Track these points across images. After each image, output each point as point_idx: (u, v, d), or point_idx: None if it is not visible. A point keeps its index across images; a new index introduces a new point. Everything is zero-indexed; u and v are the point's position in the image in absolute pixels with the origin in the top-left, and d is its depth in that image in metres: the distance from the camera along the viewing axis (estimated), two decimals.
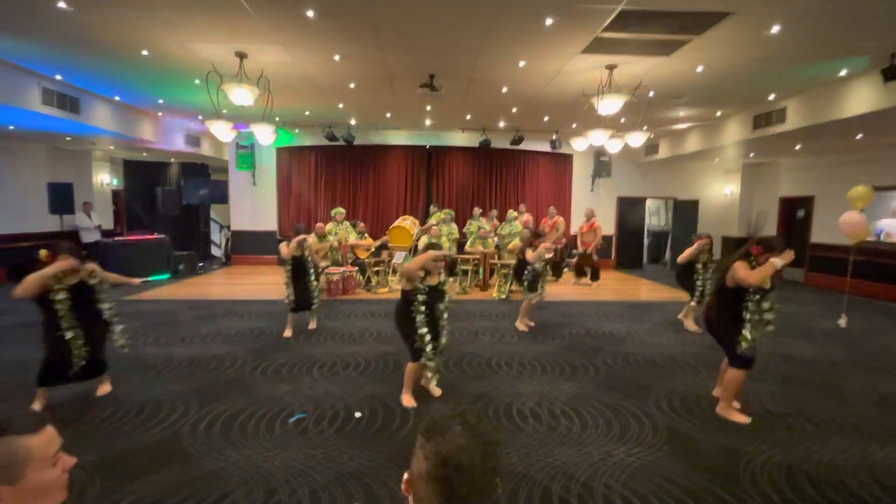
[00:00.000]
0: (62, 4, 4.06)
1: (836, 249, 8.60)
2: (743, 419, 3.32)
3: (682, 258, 5.55)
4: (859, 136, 7.05)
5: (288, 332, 5.29)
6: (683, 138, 9.61)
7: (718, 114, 7.96)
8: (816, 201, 9.58)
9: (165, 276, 8.95)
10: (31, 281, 3.16)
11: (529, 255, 5.63)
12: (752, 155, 9.84)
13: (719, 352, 3.56)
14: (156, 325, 5.64)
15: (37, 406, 3.32)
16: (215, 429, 3.11)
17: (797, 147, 8.40)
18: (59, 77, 6.27)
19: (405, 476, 0.86)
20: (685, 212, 11.78)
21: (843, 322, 6.10)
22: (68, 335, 3.28)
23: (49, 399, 3.42)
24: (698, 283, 5.57)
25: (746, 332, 3.22)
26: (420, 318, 3.41)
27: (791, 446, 3.02)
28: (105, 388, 3.67)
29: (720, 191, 11.89)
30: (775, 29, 4.34)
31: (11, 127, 7.21)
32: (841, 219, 6.02)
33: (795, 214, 10.39)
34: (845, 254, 6.73)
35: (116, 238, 8.97)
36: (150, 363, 4.36)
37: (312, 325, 5.58)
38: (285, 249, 5.29)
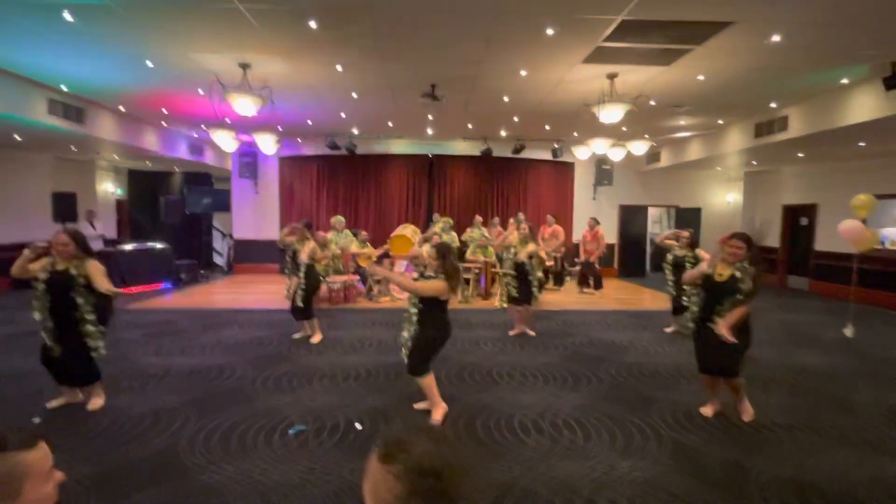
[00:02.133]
0: (68, 17, 4.10)
1: (841, 258, 8.54)
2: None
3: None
4: (861, 144, 7.03)
5: (316, 338, 5.42)
6: (685, 147, 9.62)
7: (720, 122, 7.96)
8: (820, 209, 9.54)
9: (168, 286, 8.94)
10: (16, 262, 3.27)
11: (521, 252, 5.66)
12: (754, 163, 9.83)
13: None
14: (156, 335, 5.62)
15: (54, 403, 3.44)
16: (214, 441, 3.08)
17: (799, 155, 8.39)
18: (64, 88, 6.33)
19: None
20: (688, 220, 11.74)
21: (848, 331, 6.03)
22: (36, 316, 3.29)
23: (46, 412, 3.40)
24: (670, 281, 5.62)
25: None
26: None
27: (800, 460, 2.95)
28: (95, 403, 3.51)
29: (723, 199, 11.87)
30: (776, 38, 4.35)
31: (17, 137, 7.27)
32: (840, 227, 5.97)
33: (799, 222, 10.34)
34: (849, 262, 6.68)
35: (119, 247, 8.99)
36: (149, 373, 4.33)
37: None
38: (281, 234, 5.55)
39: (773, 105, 6.71)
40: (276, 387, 4.06)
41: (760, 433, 3.29)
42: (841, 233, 5.96)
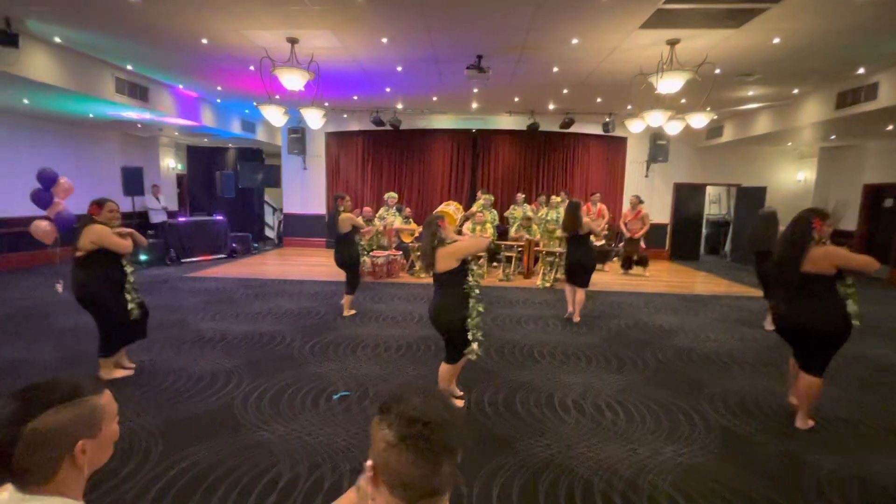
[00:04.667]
0: None
1: None
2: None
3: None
4: None
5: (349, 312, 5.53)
6: (752, 120, 8.85)
7: (795, 92, 7.23)
8: None
9: (222, 256, 9.49)
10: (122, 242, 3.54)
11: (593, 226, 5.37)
12: (833, 137, 8.91)
13: (781, 351, 3.27)
14: (213, 303, 6.00)
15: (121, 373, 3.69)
16: (264, 401, 3.27)
17: (889, 128, 7.49)
18: (129, 67, 6.70)
19: (368, 464, 0.86)
20: (750, 200, 10.89)
21: None
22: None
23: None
24: None
25: (852, 305, 2.90)
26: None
27: (865, 457, 2.74)
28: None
29: (792, 177, 10.91)
30: None
31: (91, 115, 7.83)
32: None
33: (882, 204, 9.34)
34: None
35: (180, 219, 9.59)
36: (206, 337, 4.64)
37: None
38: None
39: (860, 71, 5.99)
40: (322, 354, 4.24)
41: (822, 427, 3.07)
42: None
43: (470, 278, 3.08)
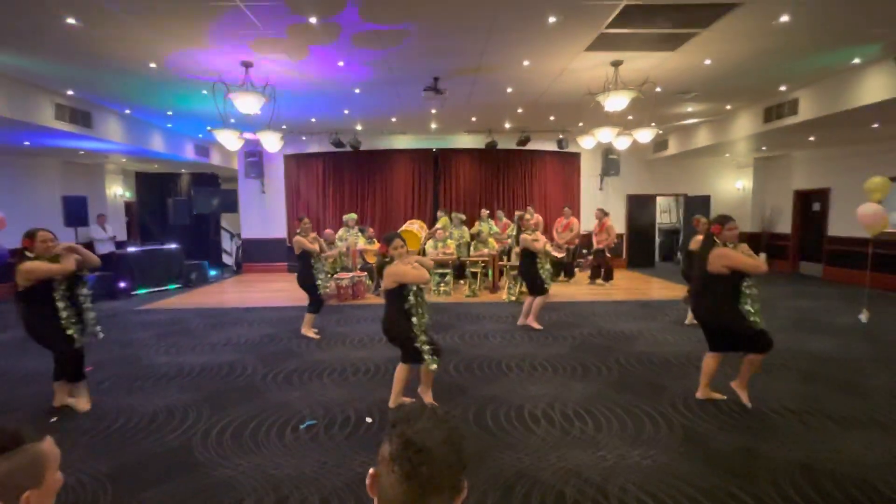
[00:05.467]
0: (71, 20, 4.13)
1: (855, 242, 8.39)
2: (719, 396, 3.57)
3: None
4: (875, 126, 6.88)
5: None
6: (693, 134, 9.48)
7: (728, 108, 7.83)
8: (832, 194, 9.37)
9: (175, 287, 9.05)
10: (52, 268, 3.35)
11: (535, 243, 5.61)
12: (764, 148, 9.67)
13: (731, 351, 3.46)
14: (167, 335, 5.69)
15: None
16: (226, 436, 3.11)
17: (811, 139, 8.23)
18: (70, 92, 6.40)
19: (371, 472, 0.85)
20: (696, 208, 11.56)
21: (864, 317, 5.93)
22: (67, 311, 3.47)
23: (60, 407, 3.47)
24: None
25: (750, 308, 3.27)
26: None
27: (811, 445, 2.93)
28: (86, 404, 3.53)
29: (732, 186, 11.70)
30: (784, 18, 4.26)
31: (26, 143, 7.37)
32: (859, 210, 5.87)
33: (811, 208, 10.17)
34: (864, 247, 6.55)
35: (129, 249, 9.10)
36: (161, 372, 4.39)
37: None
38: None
39: (782, 88, 6.58)
40: (286, 382, 4.10)
41: (772, 419, 3.26)
42: (860, 216, 5.84)
43: (410, 297, 3.30)
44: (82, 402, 3.53)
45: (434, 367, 3.39)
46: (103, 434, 3.18)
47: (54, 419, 3.37)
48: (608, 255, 9.11)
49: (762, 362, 3.43)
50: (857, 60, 5.40)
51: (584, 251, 9.72)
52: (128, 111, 7.64)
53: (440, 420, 0.84)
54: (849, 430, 3.12)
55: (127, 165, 11.11)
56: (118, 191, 11.22)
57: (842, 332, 5.53)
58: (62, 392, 3.54)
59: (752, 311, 3.25)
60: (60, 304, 3.37)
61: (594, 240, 9.24)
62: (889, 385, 3.87)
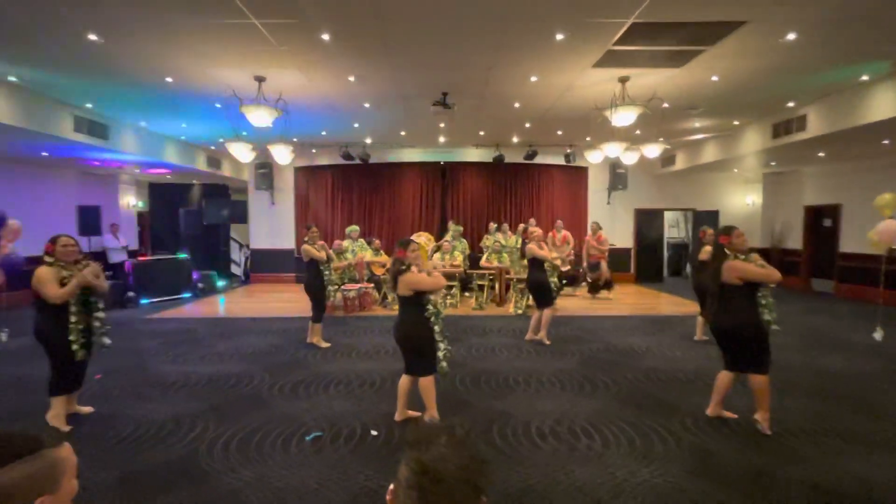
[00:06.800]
0: (93, 37, 4.27)
1: (868, 259, 8.27)
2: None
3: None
4: (885, 142, 6.84)
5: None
6: (700, 149, 9.49)
7: (736, 123, 7.84)
8: (843, 209, 9.28)
9: (187, 295, 9.13)
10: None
11: (539, 251, 5.60)
12: (773, 164, 9.64)
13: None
14: (175, 344, 5.73)
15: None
16: (232, 447, 3.12)
17: (820, 154, 8.19)
18: (89, 105, 6.57)
19: (391, 487, 0.84)
20: (705, 223, 11.46)
21: (878, 335, 5.82)
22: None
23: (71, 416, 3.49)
24: None
25: (769, 317, 3.29)
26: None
27: (824, 465, 2.86)
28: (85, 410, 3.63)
29: (741, 201, 11.64)
30: (791, 36, 4.29)
31: (44, 154, 7.56)
32: (878, 228, 5.79)
33: (821, 224, 10.07)
34: (877, 263, 6.46)
35: (140, 258, 9.22)
36: (169, 381, 4.41)
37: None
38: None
39: (790, 104, 6.58)
40: (292, 393, 4.10)
41: (784, 438, 3.20)
42: (882, 232, 5.76)
43: (430, 307, 3.34)
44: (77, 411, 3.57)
45: (444, 364, 3.40)
46: (111, 442, 3.20)
47: (69, 427, 3.38)
48: (605, 267, 9.06)
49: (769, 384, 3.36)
50: (865, 77, 5.41)
51: (579, 268, 9.68)
52: (143, 123, 7.82)
53: (458, 444, 0.81)
54: (863, 451, 3.05)
55: (140, 176, 11.31)
56: (132, 200, 11.42)
57: (856, 349, 5.43)
58: (69, 403, 3.54)
59: (770, 319, 3.29)
60: (73, 311, 3.39)
61: (586, 254, 9.21)
62: None
